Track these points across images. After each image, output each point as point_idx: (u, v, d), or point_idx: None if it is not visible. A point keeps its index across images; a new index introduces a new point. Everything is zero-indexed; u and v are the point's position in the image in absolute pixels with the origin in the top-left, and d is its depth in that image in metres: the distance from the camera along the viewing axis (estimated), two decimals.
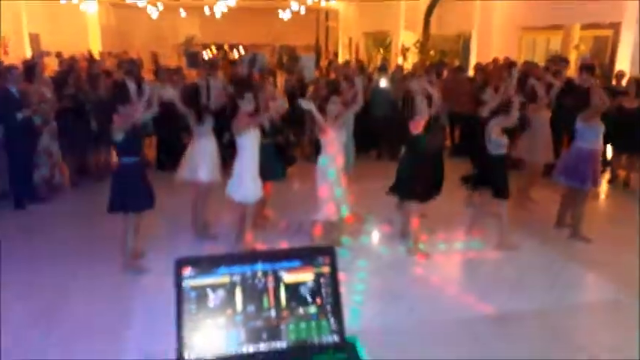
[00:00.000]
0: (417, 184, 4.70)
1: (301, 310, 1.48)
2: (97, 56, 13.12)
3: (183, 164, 5.07)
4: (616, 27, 8.70)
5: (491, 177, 4.83)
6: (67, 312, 3.80)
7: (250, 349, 1.40)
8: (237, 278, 1.48)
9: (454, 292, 4.19)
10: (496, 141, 4.70)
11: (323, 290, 1.52)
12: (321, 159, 4.62)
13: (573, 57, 9.34)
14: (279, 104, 4.49)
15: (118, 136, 4.12)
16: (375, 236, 5.43)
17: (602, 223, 5.85)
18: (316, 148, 4.96)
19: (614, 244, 5.16)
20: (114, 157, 7.52)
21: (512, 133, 4.98)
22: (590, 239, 5.15)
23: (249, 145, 4.44)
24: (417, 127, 4.61)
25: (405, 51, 13.55)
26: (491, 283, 4.34)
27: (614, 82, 7.67)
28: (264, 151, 4.65)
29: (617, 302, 4.08)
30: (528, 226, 5.55)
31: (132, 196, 4.23)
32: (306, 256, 1.55)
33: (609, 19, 8.80)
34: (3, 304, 3.74)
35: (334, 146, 4.59)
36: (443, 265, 4.72)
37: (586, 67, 6.76)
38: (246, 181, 4.46)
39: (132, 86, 7.18)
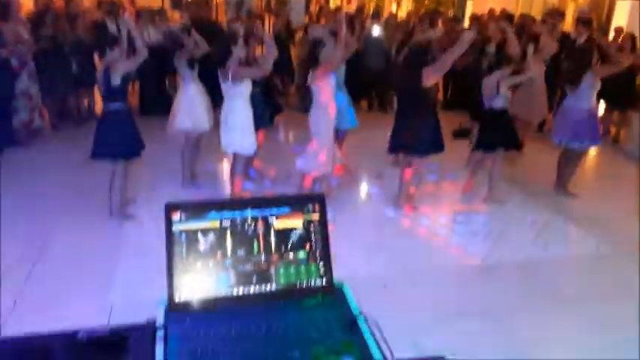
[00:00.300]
0: (422, 137, 4.53)
1: (291, 255, 1.48)
2: None
3: (175, 113, 4.90)
4: None
5: (492, 130, 4.79)
6: (51, 259, 3.79)
7: (240, 291, 1.41)
8: (227, 223, 1.47)
9: (441, 244, 4.27)
10: (504, 95, 4.66)
11: (312, 236, 1.52)
12: (314, 109, 4.52)
13: (571, 10, 9.14)
14: (271, 49, 4.33)
15: (116, 80, 3.99)
16: (364, 188, 5.45)
17: (591, 179, 5.95)
18: (307, 98, 4.85)
19: (601, 200, 5.26)
20: (96, 102, 7.33)
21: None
22: (576, 194, 5.24)
23: (244, 93, 4.30)
24: (433, 78, 4.39)
25: None
26: (478, 236, 4.42)
27: (611, 38, 7.54)
28: (251, 98, 4.54)
29: (601, 256, 4.18)
30: (517, 180, 5.60)
31: (121, 142, 4.16)
32: (295, 203, 1.54)
33: None
34: None
35: (327, 94, 4.48)
36: (431, 217, 4.78)
37: (583, 21, 6.65)
38: (243, 132, 4.34)
39: (112, 28, 6.89)
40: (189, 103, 4.82)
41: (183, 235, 1.43)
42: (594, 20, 7.67)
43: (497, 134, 4.79)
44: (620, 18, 8.13)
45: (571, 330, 3.18)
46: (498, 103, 4.68)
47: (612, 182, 5.81)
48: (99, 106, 7.43)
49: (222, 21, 12.55)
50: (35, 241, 3.99)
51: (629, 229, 4.52)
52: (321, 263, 1.50)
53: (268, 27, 10.00)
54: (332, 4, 13.01)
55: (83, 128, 6.84)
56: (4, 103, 5.78)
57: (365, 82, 8.10)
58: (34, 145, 6.12)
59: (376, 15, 8.84)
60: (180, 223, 1.43)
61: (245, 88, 4.29)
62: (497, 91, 4.63)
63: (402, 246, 4.18)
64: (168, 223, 1.43)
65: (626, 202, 5.13)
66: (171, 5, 13.11)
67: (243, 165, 4.64)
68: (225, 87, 4.28)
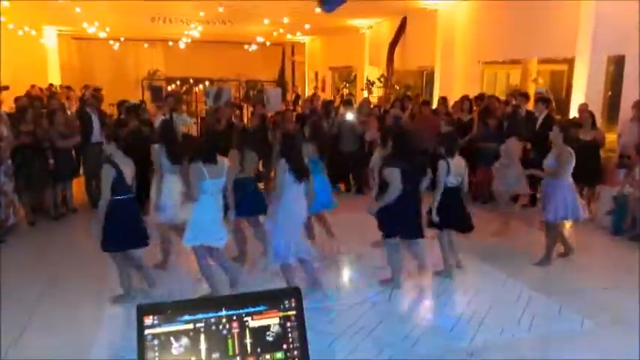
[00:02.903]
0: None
1: (267, 356, 1.42)
2: (57, 90, 12.85)
3: (158, 206, 4.82)
4: (570, 62, 9.14)
5: (452, 208, 4.89)
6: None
7: None
8: (200, 325, 1.41)
9: (425, 329, 4.12)
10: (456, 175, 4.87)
11: (289, 334, 1.47)
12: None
13: (532, 90, 9.75)
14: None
15: None
16: (346, 273, 5.37)
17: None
18: None
19: (578, 274, 5.27)
20: (73, 196, 7.29)
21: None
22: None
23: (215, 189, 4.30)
24: None
25: (370, 85, 13.85)
26: (462, 317, 4.30)
27: (577, 115, 7.73)
28: (244, 186, 4.64)
29: (585, 333, 4.10)
30: (497, 258, 5.58)
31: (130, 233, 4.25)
32: (271, 299, 1.50)
33: (563, 54, 9.25)
34: None
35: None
36: (413, 300, 4.72)
37: (541, 99, 7.16)
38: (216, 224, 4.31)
39: (95, 118, 7.12)
40: (168, 195, 4.77)
41: (156, 339, 1.37)
42: (551, 100, 8.18)
43: (451, 208, 4.87)
44: (578, 95, 8.61)
45: None
46: (450, 182, 4.82)
47: (588, 256, 5.77)
48: (76, 200, 7.39)
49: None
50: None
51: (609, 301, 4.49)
52: None
53: (247, 116, 10.33)
54: (307, 94, 13.64)
55: (59, 223, 6.74)
56: None
57: (341, 165, 8.33)
58: (8, 242, 5.95)
59: (349, 102, 9.26)
60: (153, 328, 1.38)
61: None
62: (448, 170, 4.79)
63: (385, 332, 4.02)
64: (140, 327, 1.37)
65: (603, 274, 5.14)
66: (152, 99, 13.53)
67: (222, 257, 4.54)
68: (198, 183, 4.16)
